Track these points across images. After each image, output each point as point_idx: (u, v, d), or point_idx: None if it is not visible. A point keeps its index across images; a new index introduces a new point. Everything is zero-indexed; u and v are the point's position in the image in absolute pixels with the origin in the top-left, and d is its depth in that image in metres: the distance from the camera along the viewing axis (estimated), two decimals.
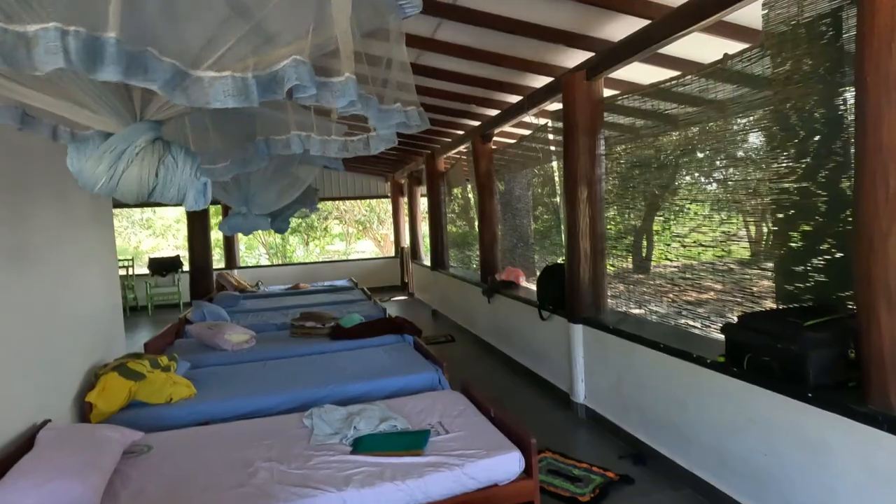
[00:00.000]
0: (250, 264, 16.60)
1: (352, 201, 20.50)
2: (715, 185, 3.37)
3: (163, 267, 11.07)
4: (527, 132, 6.08)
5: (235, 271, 11.68)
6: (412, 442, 2.52)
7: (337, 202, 19.56)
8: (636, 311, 3.94)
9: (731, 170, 3.14)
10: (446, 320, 8.29)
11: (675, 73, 3.42)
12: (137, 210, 16.75)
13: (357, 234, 22.26)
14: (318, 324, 5.27)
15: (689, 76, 3.23)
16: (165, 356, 3.67)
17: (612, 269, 4.16)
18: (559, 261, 5.08)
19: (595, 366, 4.04)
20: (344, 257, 18.94)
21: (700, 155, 3.41)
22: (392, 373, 3.83)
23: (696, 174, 3.55)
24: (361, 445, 2.54)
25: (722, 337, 2.80)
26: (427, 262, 9.65)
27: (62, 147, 1.71)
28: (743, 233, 3.18)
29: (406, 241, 12.08)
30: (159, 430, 3.25)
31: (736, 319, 2.76)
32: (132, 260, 11.59)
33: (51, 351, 3.00)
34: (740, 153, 3.13)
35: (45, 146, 2.92)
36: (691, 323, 3.46)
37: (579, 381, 4.17)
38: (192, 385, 3.59)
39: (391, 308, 9.85)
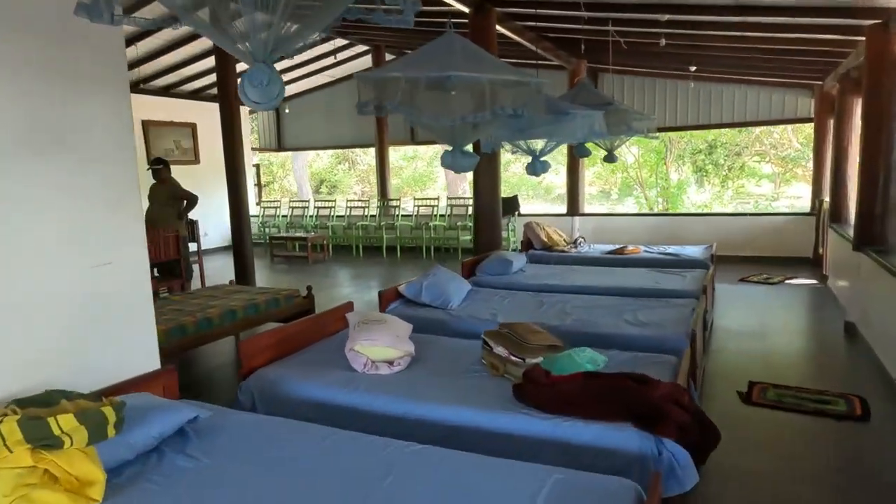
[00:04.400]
0: (601, 212, 14.29)
1: (781, 129, 15.39)
2: None
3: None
4: None
5: (576, 219, 9.63)
6: None
7: (761, 129, 14.86)
8: None
9: None
10: (867, 352, 4.28)
11: None
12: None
13: (786, 174, 16.90)
14: (516, 354, 2.75)
15: None
16: (111, 405, 1.96)
17: None
18: None
19: None
20: (765, 207, 14.66)
21: None
22: None
23: None
24: None
25: None
26: (851, 231, 5.38)
27: None
28: None
29: (828, 192, 7.52)
30: None
31: None
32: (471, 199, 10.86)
33: None
34: None
35: None
36: None
37: None
38: (101, 487, 1.79)
39: (782, 296, 6.00)
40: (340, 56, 10.42)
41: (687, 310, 3.82)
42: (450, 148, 2.78)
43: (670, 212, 14.17)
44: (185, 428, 2.22)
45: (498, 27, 5.91)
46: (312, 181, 21.32)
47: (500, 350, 2.80)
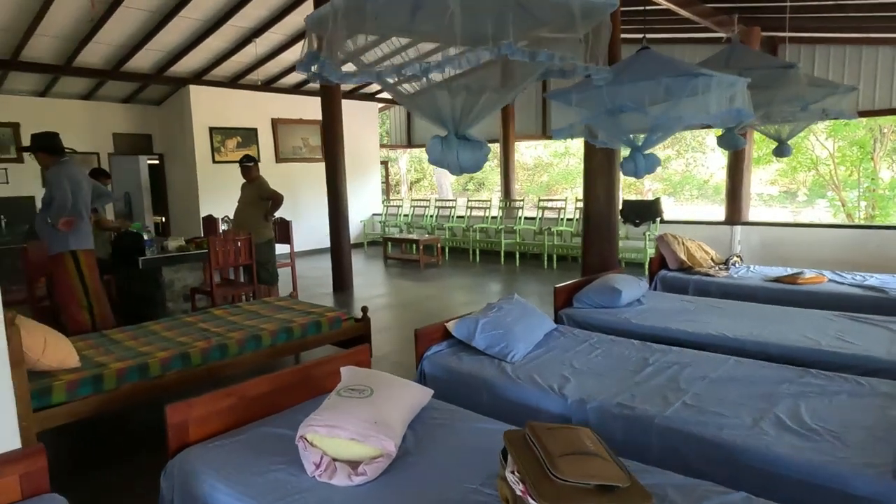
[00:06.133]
0: (779, 219, 11.51)
1: None
2: None
3: (635, 213, 8.28)
4: None
5: (737, 229, 7.70)
6: None
7: None
8: None
9: None
10: None
11: None
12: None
13: None
14: (533, 497, 1.55)
15: None
16: None
17: None
18: None
19: None
20: None
21: None
22: None
23: None
24: None
25: None
26: None
27: None
28: None
29: None
30: None
31: None
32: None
33: None
34: None
35: None
36: None
37: None
38: None
39: None
40: None
41: None
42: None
43: (877, 223, 11.09)
44: None
45: None
46: (462, 178, 20.90)
47: (511, 476, 1.63)
